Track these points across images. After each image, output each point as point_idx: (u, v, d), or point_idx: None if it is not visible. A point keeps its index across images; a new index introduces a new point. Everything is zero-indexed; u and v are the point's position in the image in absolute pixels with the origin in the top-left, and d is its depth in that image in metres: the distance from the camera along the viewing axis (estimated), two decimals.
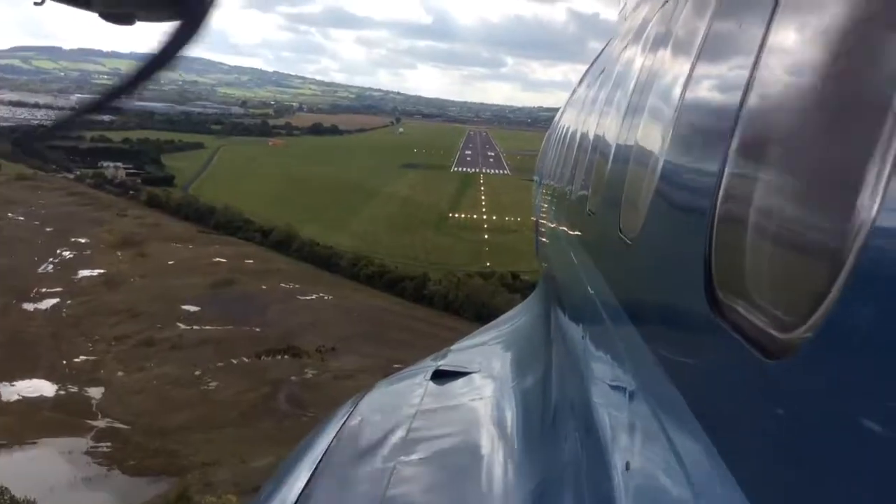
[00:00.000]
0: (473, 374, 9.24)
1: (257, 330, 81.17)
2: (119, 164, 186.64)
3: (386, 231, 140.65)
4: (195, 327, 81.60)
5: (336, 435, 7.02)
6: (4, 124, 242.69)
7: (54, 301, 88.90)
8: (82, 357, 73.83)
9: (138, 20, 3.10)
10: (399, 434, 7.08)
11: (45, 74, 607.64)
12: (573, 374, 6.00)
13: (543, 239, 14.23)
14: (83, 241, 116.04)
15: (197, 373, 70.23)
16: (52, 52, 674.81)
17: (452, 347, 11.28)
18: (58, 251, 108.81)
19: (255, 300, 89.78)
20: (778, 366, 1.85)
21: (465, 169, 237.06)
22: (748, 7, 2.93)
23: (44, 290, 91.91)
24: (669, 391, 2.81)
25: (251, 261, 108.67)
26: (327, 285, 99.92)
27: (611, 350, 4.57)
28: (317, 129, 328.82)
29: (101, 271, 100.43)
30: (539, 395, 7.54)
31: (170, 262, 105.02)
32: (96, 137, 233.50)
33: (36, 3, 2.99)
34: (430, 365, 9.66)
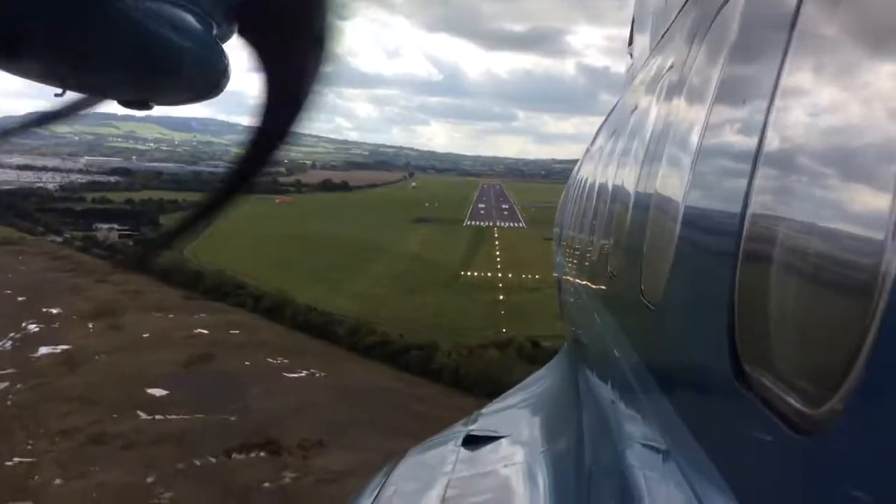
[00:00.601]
0: (504, 439, 8.95)
1: (232, 419, 67.01)
2: (114, 225, 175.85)
3: (392, 292, 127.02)
4: (158, 417, 67.51)
5: None
6: (5, 188, 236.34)
7: (2, 386, 75.32)
8: (16, 459, 59.87)
9: (155, 104, 3.14)
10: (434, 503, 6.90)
11: (60, 139, 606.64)
12: (604, 441, 5.76)
13: (567, 298, 13.96)
14: (55, 311, 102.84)
15: (150, 479, 56.06)
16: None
17: (482, 411, 11.07)
18: (22, 324, 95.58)
19: (233, 380, 75.79)
20: (804, 440, 1.86)
21: (478, 223, 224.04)
22: (760, 53, 2.88)
23: None
24: (701, 460, 2.77)
25: (237, 331, 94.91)
26: (321, 359, 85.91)
27: (639, 418, 4.41)
28: (327, 186, 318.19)
29: (65, 347, 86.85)
30: (571, 461, 7.08)
31: (144, 335, 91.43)
32: (97, 199, 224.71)
33: (56, 95, 2.98)
34: (460, 431, 9.52)
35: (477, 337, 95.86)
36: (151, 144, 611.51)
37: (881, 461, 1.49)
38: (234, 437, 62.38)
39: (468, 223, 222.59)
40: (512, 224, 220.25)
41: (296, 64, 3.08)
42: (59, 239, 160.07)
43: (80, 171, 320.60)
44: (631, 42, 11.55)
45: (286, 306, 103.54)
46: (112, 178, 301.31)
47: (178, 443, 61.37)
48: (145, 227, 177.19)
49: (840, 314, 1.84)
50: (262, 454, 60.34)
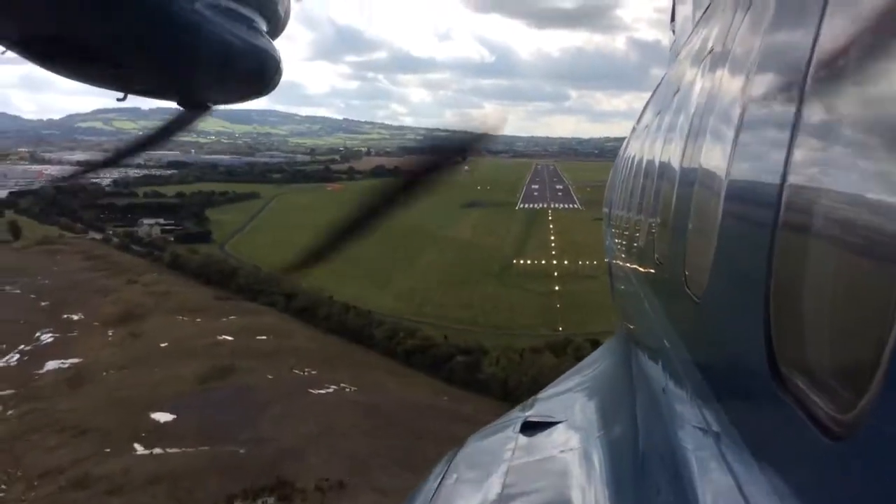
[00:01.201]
0: (561, 425, 8.99)
1: (241, 452, 55.94)
2: (160, 220, 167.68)
3: (439, 286, 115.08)
4: (156, 451, 56.79)
5: (434, 494, 7.09)
6: (55, 185, 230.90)
7: None
8: None
9: (214, 105, 3.21)
10: (494, 491, 6.95)
11: (124, 135, 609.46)
12: (657, 427, 5.56)
13: (617, 282, 13.50)
14: (76, 317, 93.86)
15: None
16: (133, 113, 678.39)
17: (539, 396, 11.00)
18: (37, 334, 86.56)
19: (251, 399, 64.77)
20: (835, 441, 1.85)
21: (532, 205, 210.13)
22: (806, 22, 2.64)
23: None
24: (743, 453, 2.79)
25: (264, 336, 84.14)
26: (354, 369, 74.43)
27: (687, 408, 4.33)
28: (377, 172, 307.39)
29: (75, 361, 77.26)
30: (626, 448, 6.89)
31: (163, 345, 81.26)
32: (148, 193, 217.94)
33: (119, 100, 3.19)
34: (518, 416, 9.54)
35: (530, 338, 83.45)
36: (213, 137, 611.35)
37: None
38: (241, 476, 51.29)
39: (521, 206, 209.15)
40: (566, 205, 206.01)
41: None
42: (98, 236, 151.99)
43: (138, 166, 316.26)
44: (673, 17, 11.43)
45: (320, 307, 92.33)
46: (167, 172, 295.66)
47: (172, 486, 50.44)
48: (190, 221, 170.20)
49: (877, 317, 1.74)
50: (269, 500, 49.09)
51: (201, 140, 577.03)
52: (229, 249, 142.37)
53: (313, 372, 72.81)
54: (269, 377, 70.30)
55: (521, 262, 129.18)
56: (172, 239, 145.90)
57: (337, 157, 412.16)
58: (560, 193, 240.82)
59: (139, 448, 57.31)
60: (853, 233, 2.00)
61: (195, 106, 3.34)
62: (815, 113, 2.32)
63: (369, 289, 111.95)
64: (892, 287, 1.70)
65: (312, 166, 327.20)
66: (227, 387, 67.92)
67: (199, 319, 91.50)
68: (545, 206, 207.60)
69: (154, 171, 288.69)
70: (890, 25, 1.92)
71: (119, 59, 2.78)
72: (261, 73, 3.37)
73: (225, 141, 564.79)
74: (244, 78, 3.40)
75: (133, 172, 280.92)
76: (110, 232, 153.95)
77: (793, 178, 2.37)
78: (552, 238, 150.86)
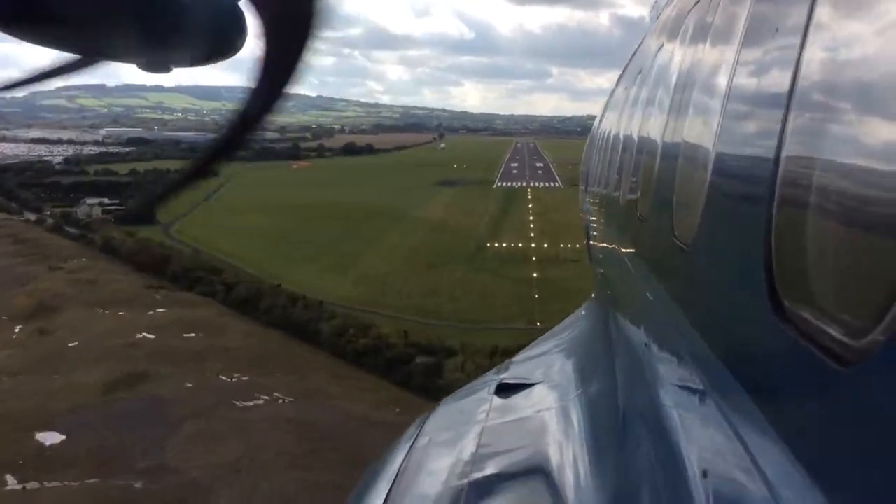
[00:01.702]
0: (537, 386, 9.00)
1: (136, 486, 44.37)
2: (104, 199, 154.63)
3: (404, 270, 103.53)
4: (29, 486, 45.07)
5: (406, 457, 6.90)
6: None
7: None
8: None
9: (174, 66, 3.14)
10: (468, 452, 6.84)
11: (89, 111, 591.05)
12: (639, 383, 5.53)
13: (595, 243, 13.48)
14: None
15: None
16: (98, 90, 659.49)
17: (514, 359, 11.05)
18: None
19: (161, 415, 53.06)
20: (846, 370, 1.84)
21: (510, 184, 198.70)
22: None
23: None
24: (741, 397, 2.75)
25: (193, 333, 72.14)
26: (293, 373, 62.66)
27: (676, 359, 4.33)
28: (349, 149, 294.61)
29: None
30: (606, 404, 6.90)
31: (72, 344, 69.16)
32: (101, 171, 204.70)
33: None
34: (492, 379, 9.44)
35: (503, 333, 72.11)
36: (179, 114, 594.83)
37: None
38: None
39: (499, 184, 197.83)
40: (547, 184, 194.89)
41: (294, 26, 2.86)
42: (32, 217, 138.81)
43: (96, 143, 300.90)
44: None
45: (263, 297, 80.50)
46: (126, 149, 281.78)
47: None
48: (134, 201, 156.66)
49: (876, 245, 1.80)
50: None
51: (166, 117, 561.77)
52: (175, 232, 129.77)
53: (243, 378, 61.10)
54: (189, 386, 58.51)
55: (497, 244, 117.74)
56: (112, 220, 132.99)
57: (308, 134, 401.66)
58: (540, 171, 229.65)
59: (10, 481, 45.60)
60: (843, 172, 2.04)
61: (155, 68, 3.04)
62: (804, 73, 2.35)
63: (326, 274, 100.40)
64: (886, 218, 1.73)
65: (280, 144, 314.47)
66: (135, 398, 56.03)
67: (122, 313, 79.34)
68: (525, 184, 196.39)
69: (111, 149, 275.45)
70: None
71: (76, 20, 2.56)
72: (225, 34, 3.02)
73: (192, 118, 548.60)
74: (208, 38, 3.05)
75: (89, 150, 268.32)
76: (47, 213, 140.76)
77: (778, 124, 2.45)
78: (531, 218, 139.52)
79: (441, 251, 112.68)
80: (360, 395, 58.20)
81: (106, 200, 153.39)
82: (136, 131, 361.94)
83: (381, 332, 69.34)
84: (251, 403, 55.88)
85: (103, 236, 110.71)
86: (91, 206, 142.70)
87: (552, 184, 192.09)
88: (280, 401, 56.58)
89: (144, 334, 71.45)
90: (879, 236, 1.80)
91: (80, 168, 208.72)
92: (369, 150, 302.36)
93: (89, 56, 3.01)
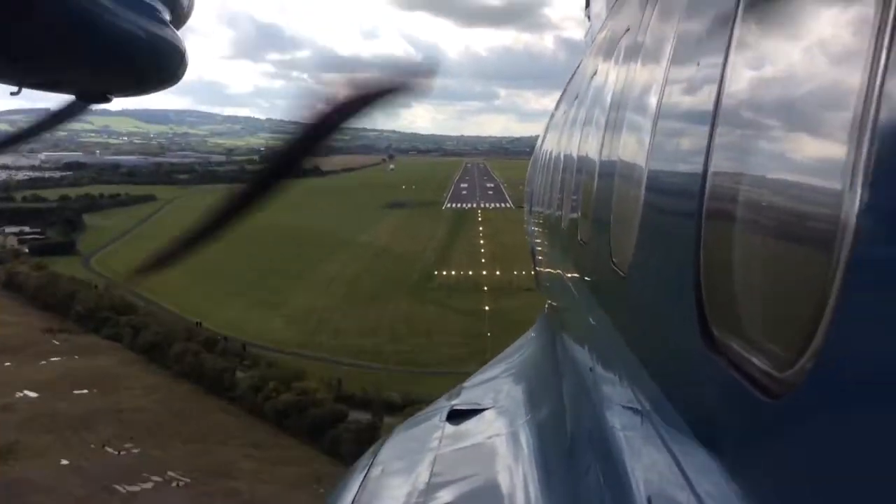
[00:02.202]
0: (487, 412, 9.00)
1: None
2: (24, 228, 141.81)
3: (343, 304, 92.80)
4: None
5: (359, 489, 6.93)
6: None
7: None
8: None
9: (113, 97, 3.23)
10: (421, 481, 6.84)
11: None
12: (585, 407, 5.58)
13: (540, 267, 13.72)
14: None
15: None
16: (40, 114, 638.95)
17: (465, 384, 10.85)
18: None
19: None
20: (772, 399, 1.84)
21: (460, 205, 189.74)
22: (712, 16, 2.86)
23: None
24: (677, 423, 2.79)
25: (86, 389, 60.50)
26: (197, 441, 51.53)
27: (617, 383, 4.36)
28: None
29: None
30: (554, 430, 7.04)
31: None
32: (29, 197, 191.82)
33: (12, 94, 3.05)
34: (444, 405, 9.47)
35: (451, 380, 62.01)
36: (124, 138, 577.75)
37: (850, 420, 1.50)
38: None
39: (449, 206, 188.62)
40: (498, 204, 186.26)
41: None
42: None
43: (32, 168, 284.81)
44: (588, 4, 11.57)
45: (175, 341, 69.10)
46: (60, 174, 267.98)
47: None
48: (59, 229, 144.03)
49: (804, 275, 1.82)
50: None
51: (111, 141, 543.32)
52: (95, 264, 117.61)
53: (134, 450, 49.78)
54: (64, 463, 47.11)
55: (445, 272, 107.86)
56: (27, 251, 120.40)
57: (256, 157, 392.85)
58: (491, 192, 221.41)
59: None
60: (774, 197, 2.05)
61: (94, 99, 3.12)
62: (729, 93, 2.39)
63: (255, 311, 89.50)
64: (814, 245, 1.73)
65: (224, 167, 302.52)
66: None
67: (7, 364, 67.37)
68: (475, 205, 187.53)
69: (47, 174, 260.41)
70: (797, 8, 2.02)
71: (14, 52, 2.58)
72: (163, 64, 3.22)
73: (137, 142, 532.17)
74: (146, 69, 3.22)
75: (23, 175, 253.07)
76: None
77: (707, 149, 2.48)
78: (481, 242, 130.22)
79: (384, 281, 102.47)
80: (275, 471, 47.30)
81: (27, 229, 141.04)
82: (76, 155, 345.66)
83: (308, 385, 58.34)
84: (137, 488, 44.63)
85: (8, 270, 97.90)
86: (5, 236, 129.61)
87: (502, 204, 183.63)
88: (174, 483, 45.37)
89: (26, 392, 59.72)
90: (804, 272, 1.81)
91: (6, 194, 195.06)
92: (317, 171, 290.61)
93: (26, 87, 2.84)
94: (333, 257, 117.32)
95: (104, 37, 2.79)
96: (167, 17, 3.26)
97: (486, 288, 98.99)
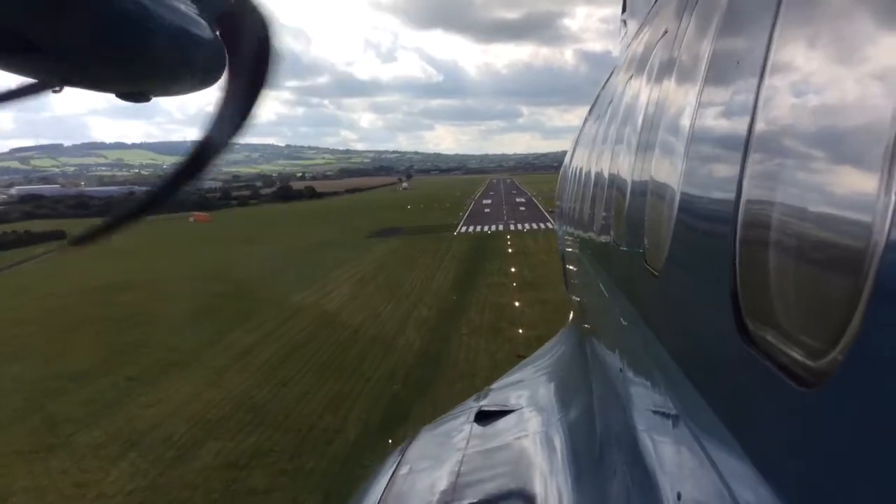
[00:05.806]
0: (516, 413, 8.77)
1: None
2: None
3: (245, 424, 34.91)
4: None
5: (387, 487, 6.74)
6: None
7: None
8: None
9: (153, 96, 3.12)
10: (448, 480, 6.73)
11: (42, 172, 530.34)
12: (615, 408, 5.45)
13: (571, 271, 13.53)
14: None
15: None
16: (53, 150, 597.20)
17: (493, 386, 10.73)
18: None
19: None
20: (810, 392, 1.81)
21: (479, 229, 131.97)
22: (753, 22, 2.75)
23: None
24: (711, 421, 2.71)
25: None
26: None
27: (649, 383, 4.22)
28: (282, 194, 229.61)
29: None
30: (583, 430, 6.87)
31: None
32: None
33: (55, 91, 2.96)
34: (472, 406, 9.32)
35: None
36: (136, 170, 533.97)
37: (885, 411, 1.46)
38: None
39: (463, 229, 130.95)
40: (535, 225, 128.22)
41: (252, 76, 3.02)
42: None
43: None
44: (624, 9, 10.91)
45: None
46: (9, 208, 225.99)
47: None
48: None
49: (837, 267, 1.80)
50: None
51: (118, 173, 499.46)
52: None
53: None
54: None
55: (452, 356, 49.35)
56: None
57: (259, 182, 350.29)
58: (523, 208, 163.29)
59: None
60: (808, 199, 2.02)
61: (133, 98, 2.97)
62: (768, 100, 2.35)
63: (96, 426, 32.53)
64: (847, 243, 1.71)
65: (212, 194, 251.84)
66: None
67: None
68: (500, 227, 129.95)
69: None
70: (843, 18, 1.95)
71: (60, 50, 2.51)
72: (205, 60, 3.04)
73: (145, 173, 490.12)
74: (189, 68, 3.05)
75: None
76: None
77: (743, 154, 2.45)
78: (514, 289, 72.15)
79: (344, 385, 44.44)
80: None
81: None
82: (50, 188, 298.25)
83: None
84: None
85: None
86: None
87: (540, 225, 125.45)
88: None
89: None
90: (837, 264, 1.79)
91: None
92: (309, 194, 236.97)
93: (68, 85, 2.78)
94: (255, 323, 60.31)
95: (151, 36, 2.64)
96: (208, 17, 3.04)
97: None
